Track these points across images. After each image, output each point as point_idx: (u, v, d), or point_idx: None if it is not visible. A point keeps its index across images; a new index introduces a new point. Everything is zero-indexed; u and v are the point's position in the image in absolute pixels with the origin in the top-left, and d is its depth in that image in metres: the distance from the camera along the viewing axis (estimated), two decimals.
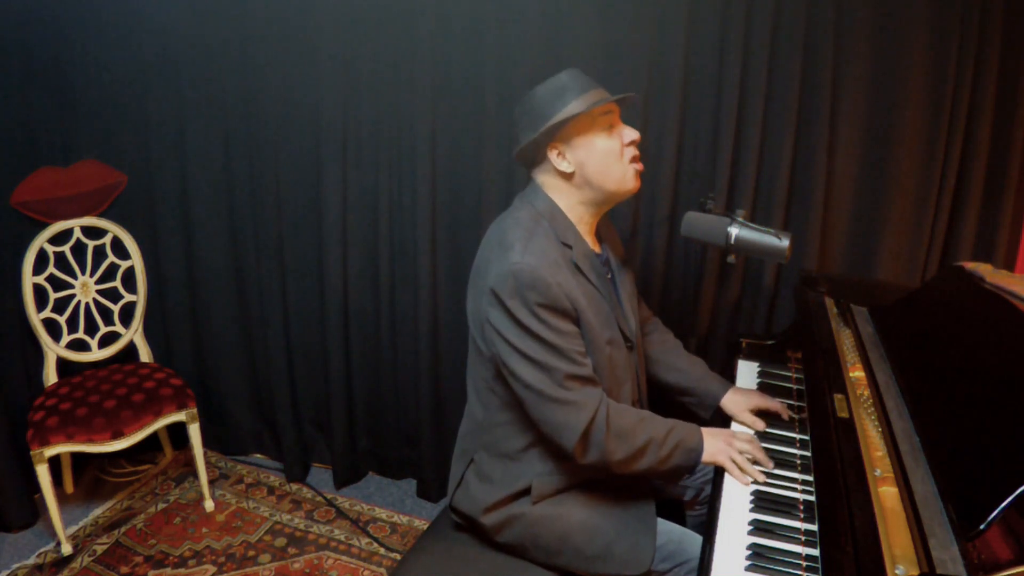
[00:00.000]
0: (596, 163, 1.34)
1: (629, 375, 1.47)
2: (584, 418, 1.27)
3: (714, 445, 1.36)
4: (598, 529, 1.37)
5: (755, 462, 1.35)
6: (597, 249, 1.47)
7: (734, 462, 1.34)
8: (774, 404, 1.56)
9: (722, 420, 1.58)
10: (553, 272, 1.27)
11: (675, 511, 1.69)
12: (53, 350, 2.30)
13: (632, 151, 1.37)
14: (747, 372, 1.79)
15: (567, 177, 1.36)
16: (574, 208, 1.39)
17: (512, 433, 1.39)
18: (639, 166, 1.38)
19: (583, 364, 1.30)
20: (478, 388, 1.43)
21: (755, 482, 1.32)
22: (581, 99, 1.31)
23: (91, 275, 2.40)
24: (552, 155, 1.35)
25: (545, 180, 1.40)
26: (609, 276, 1.48)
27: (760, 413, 1.55)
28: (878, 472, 1.09)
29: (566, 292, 1.28)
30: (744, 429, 1.51)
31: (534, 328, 1.25)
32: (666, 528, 1.42)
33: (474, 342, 1.41)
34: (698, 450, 1.35)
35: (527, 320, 1.25)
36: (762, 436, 1.47)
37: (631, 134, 1.36)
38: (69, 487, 2.46)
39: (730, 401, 1.59)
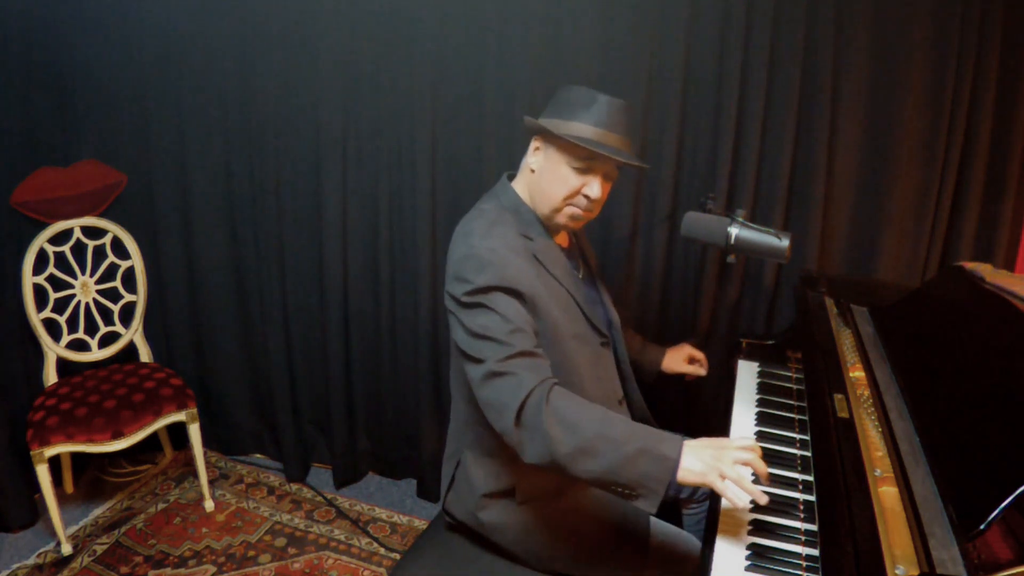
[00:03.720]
0: (545, 183, 1.34)
1: (605, 373, 1.46)
2: (521, 393, 1.14)
3: (698, 458, 1.08)
4: (591, 533, 1.36)
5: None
6: (565, 244, 1.48)
7: (726, 479, 1.06)
8: (699, 353, 1.76)
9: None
10: (511, 256, 1.26)
11: (671, 510, 1.69)
12: (53, 350, 2.30)
13: (582, 202, 1.32)
14: (747, 372, 1.79)
15: (531, 172, 1.38)
16: (537, 206, 1.40)
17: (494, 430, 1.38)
18: (580, 212, 1.33)
19: (532, 342, 1.22)
20: (460, 386, 1.41)
21: (757, 478, 1.18)
22: (587, 127, 1.29)
23: (91, 275, 2.40)
24: (532, 145, 1.37)
25: (523, 164, 1.42)
26: (581, 272, 1.49)
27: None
28: (878, 472, 1.09)
29: (526, 280, 1.27)
30: (741, 430, 1.50)
31: (488, 304, 1.22)
32: (661, 528, 1.41)
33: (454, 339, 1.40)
34: (673, 459, 1.08)
35: (481, 298, 1.23)
36: (762, 436, 1.47)
37: (593, 191, 1.30)
38: (69, 487, 2.46)
39: (668, 359, 1.76)
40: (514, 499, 1.38)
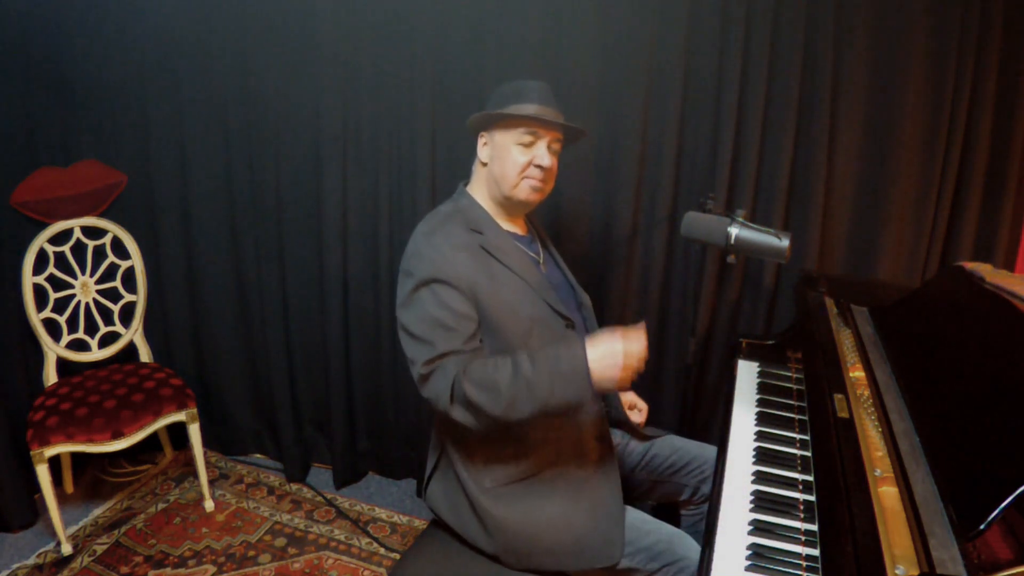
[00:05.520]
0: (498, 167, 1.44)
1: None
2: (448, 380, 1.28)
3: (605, 366, 1.21)
4: (568, 525, 1.36)
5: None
6: (521, 231, 1.54)
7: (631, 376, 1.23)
8: (641, 402, 1.75)
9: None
10: (453, 252, 1.34)
11: (670, 510, 1.69)
12: (53, 350, 2.30)
13: (536, 172, 1.42)
14: (747, 372, 1.79)
15: (483, 166, 1.48)
16: (489, 199, 1.48)
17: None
18: (536, 183, 1.43)
19: (460, 338, 1.31)
20: None
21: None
22: (524, 107, 1.40)
23: (91, 275, 2.40)
24: (480, 141, 1.48)
25: (476, 164, 1.50)
26: (541, 257, 1.54)
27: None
28: (878, 472, 1.09)
29: (466, 272, 1.33)
30: (741, 430, 1.50)
31: (423, 300, 1.32)
32: (656, 527, 1.41)
33: None
34: (582, 373, 1.21)
35: (421, 292, 1.32)
36: (762, 436, 1.47)
37: (542, 160, 1.42)
38: (69, 487, 2.46)
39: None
40: (493, 497, 1.37)
